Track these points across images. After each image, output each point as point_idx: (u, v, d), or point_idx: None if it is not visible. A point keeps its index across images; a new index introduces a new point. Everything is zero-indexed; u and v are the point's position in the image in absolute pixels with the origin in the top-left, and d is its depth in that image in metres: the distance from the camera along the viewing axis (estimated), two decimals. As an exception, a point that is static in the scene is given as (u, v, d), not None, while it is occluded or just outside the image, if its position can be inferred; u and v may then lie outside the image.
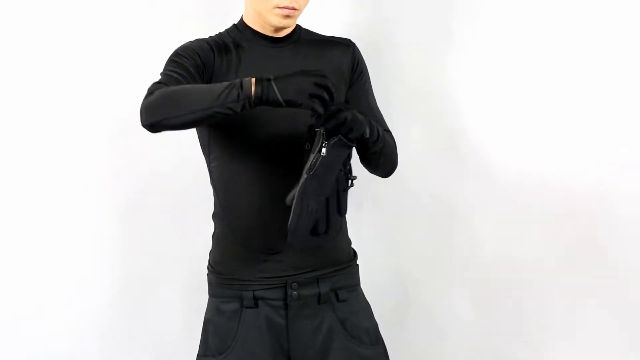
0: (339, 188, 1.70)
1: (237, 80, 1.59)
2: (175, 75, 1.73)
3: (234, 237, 1.86)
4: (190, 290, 2.45)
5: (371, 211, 2.42)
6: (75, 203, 2.46)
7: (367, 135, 1.73)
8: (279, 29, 1.87)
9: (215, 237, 1.93)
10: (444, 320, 2.38)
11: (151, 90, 1.66)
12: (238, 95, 1.57)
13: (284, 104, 1.57)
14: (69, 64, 2.43)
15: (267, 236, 1.82)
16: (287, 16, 1.80)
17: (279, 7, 1.78)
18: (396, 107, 2.35)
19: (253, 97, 1.56)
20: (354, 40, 1.99)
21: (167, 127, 1.62)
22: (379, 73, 2.18)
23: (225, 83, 1.59)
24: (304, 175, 1.63)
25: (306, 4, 1.84)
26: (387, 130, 1.98)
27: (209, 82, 1.81)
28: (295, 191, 1.65)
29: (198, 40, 1.88)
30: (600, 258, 2.17)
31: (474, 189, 2.31)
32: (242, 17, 1.93)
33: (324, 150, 1.62)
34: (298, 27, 1.94)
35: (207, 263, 1.95)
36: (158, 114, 1.61)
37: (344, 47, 1.95)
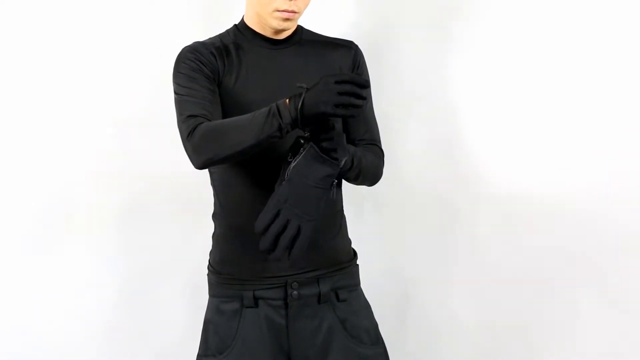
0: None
1: (274, 107, 1.62)
2: (198, 100, 1.76)
3: (234, 237, 1.86)
4: (190, 290, 2.45)
5: (371, 211, 2.42)
6: (75, 203, 2.46)
7: (341, 165, 1.70)
8: (279, 31, 1.87)
9: (215, 237, 1.93)
10: (444, 321, 2.39)
11: (191, 129, 1.70)
12: (279, 126, 1.61)
13: (318, 118, 1.60)
14: (70, 65, 2.43)
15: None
16: (287, 19, 1.81)
17: (278, 11, 1.79)
18: (397, 109, 2.36)
19: (292, 123, 1.61)
20: (354, 41, 1.99)
21: (218, 163, 1.72)
22: (379, 74, 2.19)
23: (264, 112, 1.63)
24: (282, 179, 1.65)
25: (306, 6, 1.85)
26: (376, 144, 1.97)
27: (218, 82, 1.83)
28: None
29: (198, 44, 1.87)
30: (601, 259, 2.18)
31: (474, 190, 2.32)
32: (242, 18, 1.93)
33: (298, 158, 1.64)
34: (299, 27, 1.95)
35: (207, 263, 1.96)
36: (208, 155, 1.68)
37: (346, 49, 1.95)
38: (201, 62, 1.81)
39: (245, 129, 1.64)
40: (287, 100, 1.62)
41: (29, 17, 2.43)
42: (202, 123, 1.70)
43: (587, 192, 2.19)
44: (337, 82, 1.56)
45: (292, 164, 1.64)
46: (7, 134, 2.44)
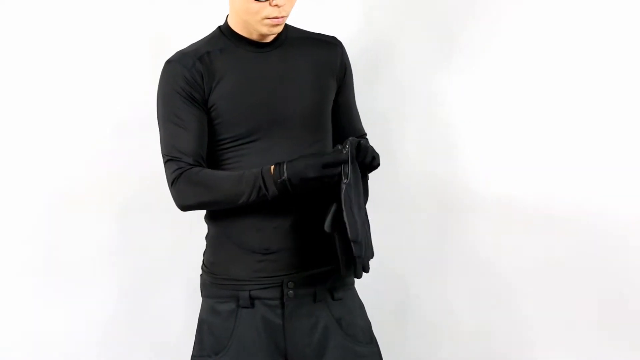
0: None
1: (260, 179, 1.74)
2: (184, 133, 1.81)
3: (229, 238, 1.88)
4: (191, 289, 2.40)
5: (370, 212, 2.40)
6: (75, 204, 2.45)
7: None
8: (266, 35, 1.87)
9: (209, 238, 1.95)
10: (443, 322, 2.42)
11: (175, 178, 1.80)
12: (264, 196, 1.74)
13: (307, 184, 1.72)
14: (69, 65, 2.42)
15: (262, 237, 1.85)
16: (277, 25, 1.82)
17: (268, 18, 1.79)
18: (395, 109, 2.38)
19: (278, 194, 1.74)
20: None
21: (199, 209, 1.86)
22: (378, 74, 2.19)
23: (250, 180, 1.75)
24: (343, 187, 1.69)
25: (292, 7, 1.85)
26: (362, 135, 2.03)
27: (204, 101, 1.83)
28: (330, 215, 1.72)
29: (182, 57, 1.84)
30: (600, 259, 2.23)
31: (473, 190, 2.34)
32: (227, 21, 1.91)
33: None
34: (284, 26, 1.94)
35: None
36: (192, 205, 1.83)
37: (332, 46, 1.96)
38: (188, 84, 1.81)
39: (230, 192, 1.77)
40: (272, 170, 1.72)
41: (29, 17, 2.40)
42: (185, 171, 1.78)
43: (585, 192, 2.23)
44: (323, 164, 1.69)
45: (351, 169, 1.70)
46: (7, 135, 2.43)
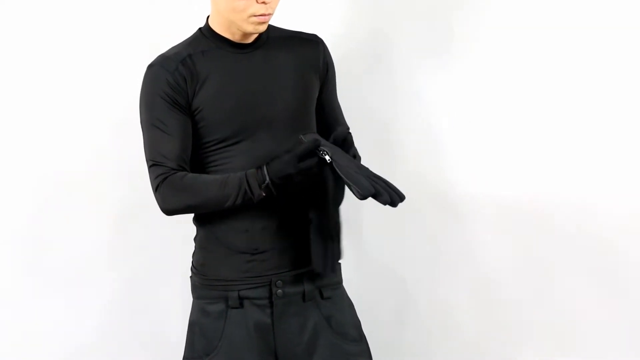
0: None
1: (245, 183, 1.75)
2: (169, 138, 1.82)
3: (217, 239, 1.88)
4: (189, 290, 2.43)
5: (371, 211, 2.39)
6: (74, 204, 2.45)
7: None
8: (248, 35, 1.88)
9: (198, 240, 1.95)
10: (444, 321, 2.42)
11: (158, 183, 1.82)
12: (250, 199, 1.76)
13: (286, 180, 1.73)
14: (69, 65, 2.42)
15: (251, 237, 1.86)
16: (263, 22, 1.82)
17: (255, 16, 1.80)
18: (394, 106, 2.39)
19: (264, 194, 1.75)
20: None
21: (184, 213, 1.87)
22: (376, 74, 2.20)
23: (235, 183, 1.75)
24: (331, 163, 1.71)
25: (277, 4, 1.85)
26: (347, 130, 2.04)
27: (188, 105, 1.83)
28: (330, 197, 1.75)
29: (165, 61, 1.84)
30: (600, 259, 2.25)
31: (475, 190, 2.35)
32: (207, 22, 1.91)
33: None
34: None
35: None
36: (177, 210, 1.83)
37: (314, 44, 1.97)
38: (171, 88, 1.81)
39: (215, 197, 1.77)
40: (255, 174, 1.74)
41: (29, 16, 2.40)
42: (168, 176, 1.79)
43: (582, 192, 2.25)
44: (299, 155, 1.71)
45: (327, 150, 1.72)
46: (5, 135, 2.42)
